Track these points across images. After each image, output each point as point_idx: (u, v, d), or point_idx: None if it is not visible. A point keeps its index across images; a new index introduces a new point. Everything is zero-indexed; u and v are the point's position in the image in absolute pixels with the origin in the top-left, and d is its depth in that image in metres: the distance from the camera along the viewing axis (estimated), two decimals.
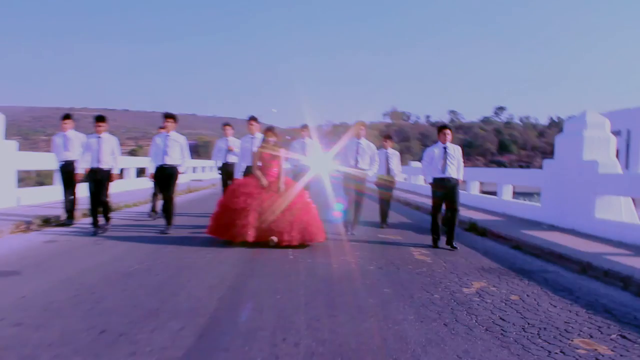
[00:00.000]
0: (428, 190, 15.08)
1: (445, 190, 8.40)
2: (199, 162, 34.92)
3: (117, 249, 7.39)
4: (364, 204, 9.96)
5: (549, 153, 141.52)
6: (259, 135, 10.09)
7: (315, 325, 4.24)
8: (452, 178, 8.39)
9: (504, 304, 5.16)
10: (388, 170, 11.28)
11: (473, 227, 10.95)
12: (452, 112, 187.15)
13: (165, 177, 9.06)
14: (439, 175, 8.40)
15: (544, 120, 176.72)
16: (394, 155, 11.55)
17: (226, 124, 11.74)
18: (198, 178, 29.45)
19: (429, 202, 16.88)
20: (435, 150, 8.54)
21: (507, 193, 15.09)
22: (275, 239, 7.74)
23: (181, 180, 24.17)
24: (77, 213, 10.13)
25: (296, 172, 11.23)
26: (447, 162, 8.35)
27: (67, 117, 9.81)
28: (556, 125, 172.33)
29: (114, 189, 16.04)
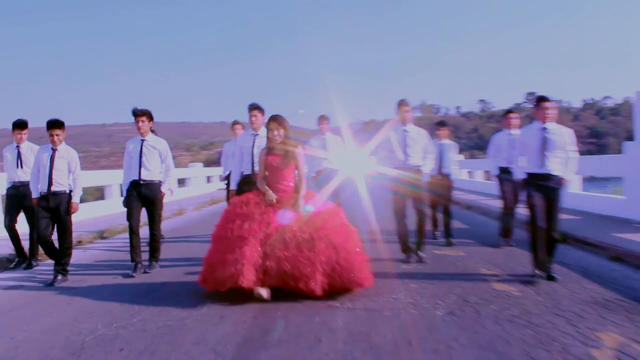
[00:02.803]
0: (471, 185, 12.21)
1: (543, 193, 5.79)
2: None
3: (81, 302, 5.36)
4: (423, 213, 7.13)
5: (585, 136, 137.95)
6: (263, 133, 6.58)
7: None
8: (554, 175, 5.84)
9: None
10: (440, 167, 8.35)
11: None
12: (482, 101, 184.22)
13: (142, 199, 6.70)
14: (535, 169, 5.82)
15: (577, 104, 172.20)
16: (450, 147, 8.65)
17: (235, 123, 9.34)
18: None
19: (482, 200, 14.90)
20: (529, 133, 5.98)
21: (574, 184, 12.75)
22: (264, 292, 4.93)
23: (206, 189, 22.01)
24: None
25: (320, 179, 8.99)
26: (549, 150, 5.76)
27: (21, 125, 7.47)
28: (591, 108, 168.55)
29: (99, 212, 14.23)
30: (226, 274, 4.91)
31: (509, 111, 8.35)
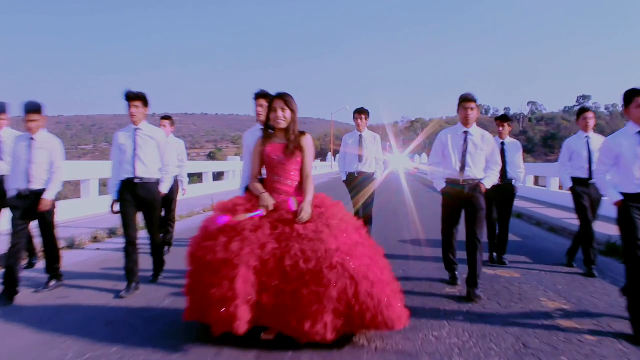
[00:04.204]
0: (521, 191, 10.51)
1: None
2: None
3: (61, 321, 4.51)
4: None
5: None
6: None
7: None
8: None
9: None
10: (504, 172, 6.71)
11: (615, 250, 7.60)
12: (532, 103, 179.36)
13: (139, 201, 5.49)
14: (637, 188, 4.33)
15: None
16: (515, 148, 7.04)
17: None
18: None
19: (534, 208, 13.65)
20: (620, 142, 4.47)
21: None
22: (270, 336, 3.91)
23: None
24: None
25: (357, 184, 7.49)
26: None
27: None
28: None
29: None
30: (215, 315, 3.65)
31: (584, 109, 6.78)
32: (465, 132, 5.52)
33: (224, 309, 3.56)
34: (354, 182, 7.52)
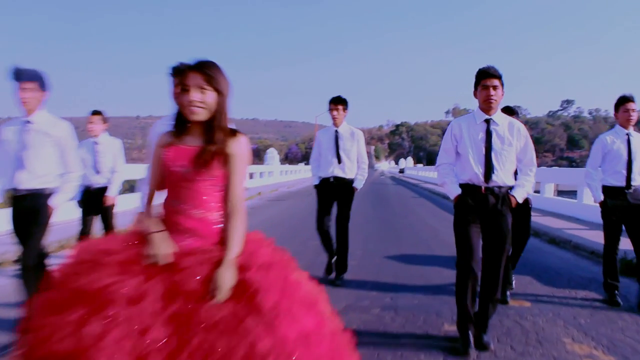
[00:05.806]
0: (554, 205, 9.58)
1: None
2: (261, 168, 33.72)
3: None
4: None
5: None
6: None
7: None
8: None
9: None
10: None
11: (630, 268, 6.55)
12: (516, 107, 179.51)
13: (25, 213, 4.05)
14: None
15: None
16: None
17: None
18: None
19: (532, 218, 12.64)
20: None
21: None
22: None
23: None
24: None
25: (330, 192, 6.06)
26: None
27: None
28: None
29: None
30: None
31: (626, 98, 5.19)
32: (487, 121, 3.92)
33: None
34: (327, 190, 6.06)
